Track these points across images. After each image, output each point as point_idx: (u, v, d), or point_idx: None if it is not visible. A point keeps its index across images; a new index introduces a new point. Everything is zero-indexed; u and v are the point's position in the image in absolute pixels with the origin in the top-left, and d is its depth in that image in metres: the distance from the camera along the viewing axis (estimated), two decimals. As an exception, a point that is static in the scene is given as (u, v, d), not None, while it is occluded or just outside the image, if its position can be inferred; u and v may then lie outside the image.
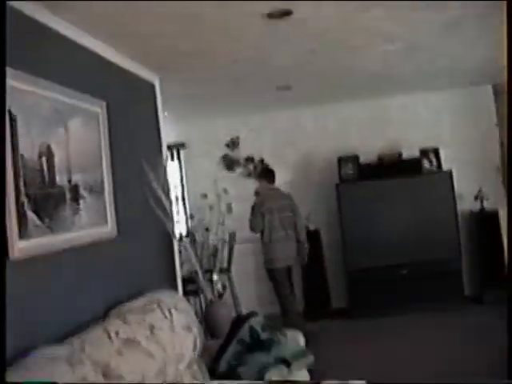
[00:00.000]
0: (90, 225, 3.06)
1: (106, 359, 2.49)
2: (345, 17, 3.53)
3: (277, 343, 3.38)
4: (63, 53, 2.98)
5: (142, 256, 3.75)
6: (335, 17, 3.50)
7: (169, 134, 7.52)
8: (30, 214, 2.45)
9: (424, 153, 6.58)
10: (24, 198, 2.40)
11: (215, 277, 4.08)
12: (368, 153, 6.76)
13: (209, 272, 4.09)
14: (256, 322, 3.50)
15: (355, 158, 6.66)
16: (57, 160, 2.72)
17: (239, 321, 3.56)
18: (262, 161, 7.32)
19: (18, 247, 2.32)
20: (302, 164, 7.22)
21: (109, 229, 3.28)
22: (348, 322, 6.37)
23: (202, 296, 4.18)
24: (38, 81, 2.56)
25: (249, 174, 7.37)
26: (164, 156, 4.45)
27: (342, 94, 6.49)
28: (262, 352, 3.28)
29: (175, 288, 4.35)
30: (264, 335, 3.42)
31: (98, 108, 3.24)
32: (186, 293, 4.59)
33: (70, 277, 2.83)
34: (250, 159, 7.38)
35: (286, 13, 3.30)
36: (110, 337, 2.65)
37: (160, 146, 4.46)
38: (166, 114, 6.69)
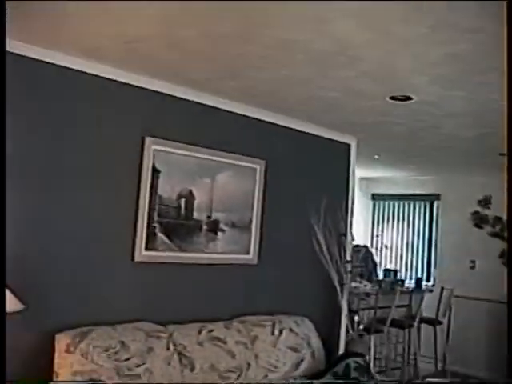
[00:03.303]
0: (228, 251, 4.14)
1: (185, 343, 3.52)
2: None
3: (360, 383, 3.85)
4: (229, 123, 4.15)
5: (287, 284, 4.58)
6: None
7: (429, 186, 8.09)
8: (160, 235, 3.68)
9: None
10: (156, 224, 3.65)
11: (356, 318, 4.65)
12: None
13: (354, 312, 4.68)
14: (353, 362, 4.02)
15: None
16: (197, 201, 3.89)
17: (343, 357, 4.13)
18: (510, 223, 7.16)
19: (142, 254, 3.57)
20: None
21: (250, 256, 4.29)
22: None
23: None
24: (179, 145, 3.77)
25: (495, 234, 7.29)
26: (348, 207, 5.16)
27: None
28: (342, 386, 3.82)
29: (338, 318, 5.04)
30: (354, 374, 3.93)
31: (256, 165, 4.29)
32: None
33: (196, 284, 3.95)
34: (498, 219, 7.27)
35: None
36: (200, 332, 3.67)
37: (346, 198, 5.18)
38: (410, 166, 7.28)
